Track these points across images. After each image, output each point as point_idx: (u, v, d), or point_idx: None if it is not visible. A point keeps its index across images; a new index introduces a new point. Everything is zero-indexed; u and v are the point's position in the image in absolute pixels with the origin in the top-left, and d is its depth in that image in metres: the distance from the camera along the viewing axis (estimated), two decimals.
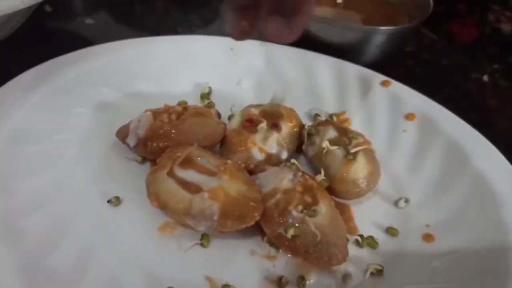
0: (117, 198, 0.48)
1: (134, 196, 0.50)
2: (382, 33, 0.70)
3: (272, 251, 0.47)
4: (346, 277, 0.46)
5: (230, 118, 0.59)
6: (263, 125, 0.53)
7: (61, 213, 0.46)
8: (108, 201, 0.48)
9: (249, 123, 0.53)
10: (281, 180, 0.47)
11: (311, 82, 0.66)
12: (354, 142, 0.52)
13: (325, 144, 0.51)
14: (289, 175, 0.47)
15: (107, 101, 0.58)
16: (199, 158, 0.47)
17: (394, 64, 0.77)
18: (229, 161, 0.48)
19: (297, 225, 0.44)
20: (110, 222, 0.47)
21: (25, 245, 0.41)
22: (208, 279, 0.44)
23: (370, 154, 0.52)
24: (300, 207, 0.45)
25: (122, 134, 0.53)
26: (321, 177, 0.49)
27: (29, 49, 0.68)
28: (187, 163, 0.46)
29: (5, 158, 0.47)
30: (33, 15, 0.66)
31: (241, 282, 0.44)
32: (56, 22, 0.77)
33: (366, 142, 0.53)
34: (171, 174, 0.45)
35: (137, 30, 0.77)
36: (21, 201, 0.45)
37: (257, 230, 0.47)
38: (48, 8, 0.77)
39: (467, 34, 0.87)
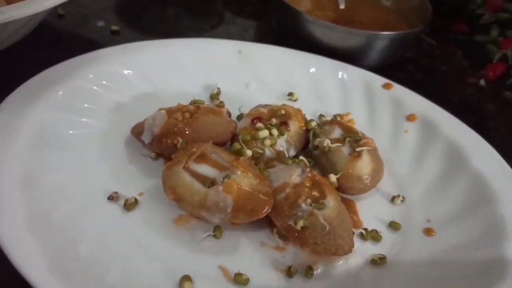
0: (117, 194, 0.50)
1: (150, 190, 0.52)
2: (383, 38, 0.73)
3: (281, 242, 0.49)
4: (351, 267, 0.48)
5: (239, 118, 0.61)
6: (272, 123, 0.55)
7: (80, 207, 0.48)
8: (109, 198, 0.49)
9: (258, 121, 0.55)
10: (290, 175, 0.49)
11: (316, 84, 0.69)
12: (359, 140, 0.54)
13: (326, 142, 0.54)
14: (298, 171, 0.50)
15: (122, 101, 0.61)
16: (213, 154, 0.49)
17: (395, 69, 0.80)
18: (241, 157, 0.50)
19: (306, 217, 0.46)
20: (126, 215, 0.49)
21: (52, 235, 0.43)
22: (221, 268, 0.46)
23: (374, 152, 0.54)
24: (309, 201, 0.47)
25: (137, 131, 0.55)
26: (333, 177, 0.52)
27: (42, 51, 0.70)
28: (202, 158, 0.49)
29: (27, 154, 0.49)
30: (46, 18, 0.68)
31: (253, 271, 0.46)
32: (69, 25, 0.79)
33: (370, 141, 0.56)
34: (186, 168, 0.48)
35: (148, 34, 0.80)
36: (44, 196, 0.47)
37: (267, 222, 0.50)
38: (60, 11, 0.79)
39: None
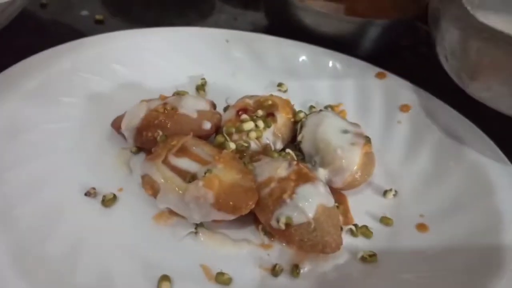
0: (95, 190, 0.48)
1: (130, 186, 0.50)
2: (377, 25, 0.70)
3: (267, 239, 0.47)
4: (339, 265, 0.46)
5: (225, 109, 0.59)
6: (258, 115, 0.53)
7: (54, 201, 0.46)
8: (86, 194, 0.47)
9: (244, 112, 0.53)
10: (276, 169, 0.47)
11: (306, 74, 0.66)
12: (350, 132, 0.52)
13: (319, 133, 0.51)
14: (284, 164, 0.47)
15: (102, 92, 0.58)
16: (194, 148, 0.47)
17: (390, 57, 0.77)
18: (224, 151, 0.48)
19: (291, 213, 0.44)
20: (104, 211, 0.47)
21: (18, 232, 0.41)
22: (203, 267, 0.44)
23: (365, 145, 0.52)
24: (294, 196, 0.45)
25: (118, 124, 0.53)
26: (322, 171, 0.49)
27: (24, 40, 0.68)
28: (182, 152, 0.46)
29: None
30: (29, 7, 0.65)
31: (236, 270, 0.44)
32: (51, 14, 0.76)
33: (362, 133, 0.53)
34: (166, 162, 0.45)
35: (134, 24, 0.77)
36: (14, 189, 0.45)
37: (251, 218, 0.47)
38: (44, 0, 0.76)
39: None
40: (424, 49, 0.85)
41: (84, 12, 0.78)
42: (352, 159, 0.50)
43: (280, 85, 0.65)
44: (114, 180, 0.50)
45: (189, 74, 0.64)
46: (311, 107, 0.62)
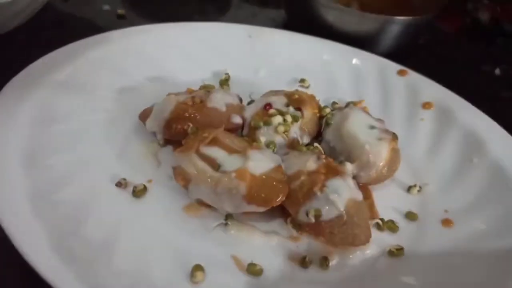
0: (125, 181, 0.48)
1: (159, 178, 0.50)
2: (398, 23, 0.70)
3: (295, 232, 0.47)
4: (367, 258, 0.47)
5: (249, 104, 0.59)
6: (285, 109, 0.53)
7: (87, 191, 0.46)
8: (117, 184, 0.48)
9: (271, 107, 0.53)
10: (305, 162, 0.47)
11: (328, 70, 0.67)
12: (376, 128, 0.52)
13: (347, 128, 0.52)
14: (313, 158, 0.48)
15: (129, 85, 0.59)
16: (226, 140, 0.47)
17: (408, 55, 0.78)
18: (254, 143, 0.48)
19: (321, 206, 0.44)
20: (135, 201, 0.48)
21: (56, 219, 0.41)
22: (234, 258, 0.44)
23: (391, 141, 0.52)
24: (325, 189, 0.45)
25: (145, 116, 0.53)
26: (349, 166, 0.50)
27: (47, 34, 0.68)
28: (214, 143, 0.47)
29: (32, 135, 0.48)
30: (51, 1, 0.66)
31: (266, 262, 0.44)
32: (73, 8, 0.77)
33: (388, 129, 0.54)
34: (198, 153, 0.46)
35: (154, 18, 0.77)
36: (50, 177, 0.45)
37: (280, 211, 0.48)
38: None
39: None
40: (440, 49, 0.86)
41: (106, 7, 0.78)
42: (379, 154, 0.50)
43: (302, 81, 0.66)
44: (143, 171, 0.50)
45: (213, 69, 0.65)
46: (334, 103, 0.62)
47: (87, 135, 0.51)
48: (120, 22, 0.75)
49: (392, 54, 0.71)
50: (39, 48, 0.57)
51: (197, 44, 0.65)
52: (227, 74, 0.64)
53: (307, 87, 0.65)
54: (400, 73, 0.65)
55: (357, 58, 0.67)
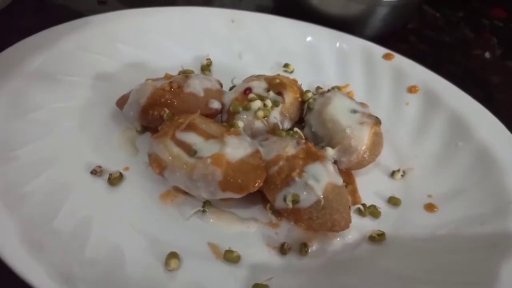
0: (101, 168, 0.47)
1: (136, 165, 0.49)
2: (385, 5, 0.69)
3: (274, 218, 0.47)
4: (348, 244, 0.46)
5: (231, 89, 0.58)
6: (266, 94, 0.52)
7: (61, 179, 0.45)
8: (92, 172, 0.47)
9: (251, 92, 0.52)
10: (284, 147, 0.46)
11: (313, 55, 0.65)
12: (358, 112, 0.51)
13: (329, 112, 0.51)
14: (293, 143, 0.47)
15: (106, 71, 0.57)
16: (201, 125, 0.46)
17: (397, 40, 0.77)
18: (232, 129, 0.47)
19: (299, 191, 0.43)
20: (111, 189, 0.47)
21: (26, 210, 0.41)
22: (211, 245, 0.44)
23: (374, 125, 0.51)
24: (303, 174, 0.44)
25: (123, 103, 0.52)
26: (330, 151, 0.49)
27: (25, 21, 0.66)
28: (190, 129, 0.46)
29: (4, 125, 0.47)
30: None
31: (244, 249, 0.43)
32: None
33: (371, 113, 0.52)
34: (173, 139, 0.45)
35: (136, 5, 0.76)
36: (23, 167, 0.44)
37: (259, 197, 0.47)
38: None
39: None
40: (430, 33, 0.84)
41: None
42: (361, 138, 0.49)
43: (286, 65, 0.64)
44: (120, 159, 0.49)
45: (194, 54, 0.63)
46: (318, 88, 0.61)
47: (62, 123, 0.50)
48: (101, 8, 0.74)
49: (381, 39, 0.69)
50: (16, 35, 0.55)
51: (178, 29, 0.64)
52: (208, 59, 0.63)
53: (291, 72, 0.64)
54: (386, 57, 0.64)
55: (342, 41, 0.66)
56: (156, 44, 0.62)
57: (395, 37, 0.76)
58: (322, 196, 0.43)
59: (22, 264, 0.36)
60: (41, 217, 0.41)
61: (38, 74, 0.52)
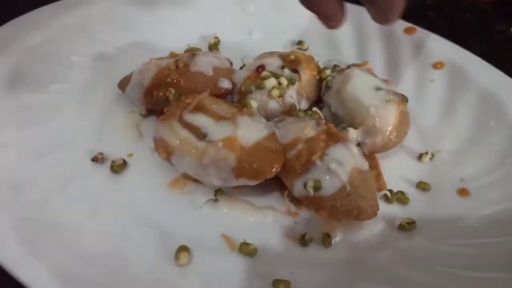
0: (102, 155, 0.43)
1: (140, 151, 0.45)
2: None
3: (293, 207, 0.42)
4: (375, 234, 0.42)
5: (241, 69, 0.53)
6: (280, 71, 0.47)
7: (59, 169, 0.41)
8: (93, 159, 0.43)
9: (263, 69, 0.47)
10: (302, 128, 0.42)
11: (329, 31, 0.60)
12: (383, 89, 0.47)
13: (349, 91, 0.46)
14: (311, 123, 0.42)
15: (108, 51, 0.53)
16: (213, 106, 0.42)
17: (415, 16, 0.72)
18: (244, 109, 0.43)
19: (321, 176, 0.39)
20: (114, 177, 0.43)
21: (21, 202, 0.37)
22: (225, 237, 0.40)
23: (400, 103, 0.47)
24: (325, 157, 0.40)
25: (125, 85, 0.48)
26: (353, 132, 0.45)
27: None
28: (199, 110, 0.41)
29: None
30: None
31: (261, 240, 0.39)
32: None
33: (395, 91, 0.48)
34: (181, 121, 0.41)
35: None
36: (21, 154, 0.41)
37: (276, 184, 0.43)
38: None
39: None
40: (447, 9, 0.79)
41: None
42: (387, 118, 0.45)
43: (300, 43, 0.60)
44: (123, 145, 0.46)
45: (201, 33, 0.59)
46: (335, 66, 0.57)
47: (59, 107, 0.46)
48: None
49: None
50: (11, 14, 0.51)
51: (183, 6, 0.59)
52: (216, 38, 0.59)
53: (306, 50, 0.60)
54: (407, 31, 0.59)
55: (360, 15, 0.60)
56: (160, 23, 0.57)
57: (413, 13, 0.71)
58: (347, 182, 0.39)
59: (17, 262, 0.33)
60: (37, 209, 0.37)
61: (34, 54, 0.48)
